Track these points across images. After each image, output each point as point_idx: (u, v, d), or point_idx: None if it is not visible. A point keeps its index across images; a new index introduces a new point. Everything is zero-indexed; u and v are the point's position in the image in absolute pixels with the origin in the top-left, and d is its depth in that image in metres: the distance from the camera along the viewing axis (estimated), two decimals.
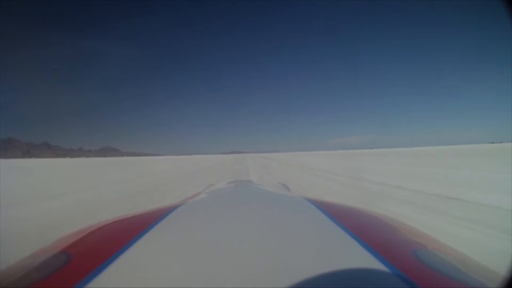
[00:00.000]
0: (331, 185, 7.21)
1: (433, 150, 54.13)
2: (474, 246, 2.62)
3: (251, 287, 0.34)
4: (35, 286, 0.39)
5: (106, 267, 0.40)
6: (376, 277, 0.37)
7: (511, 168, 8.90)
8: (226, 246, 0.46)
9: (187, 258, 0.43)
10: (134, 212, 0.79)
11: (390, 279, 0.37)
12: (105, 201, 5.65)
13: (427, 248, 0.54)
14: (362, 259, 0.41)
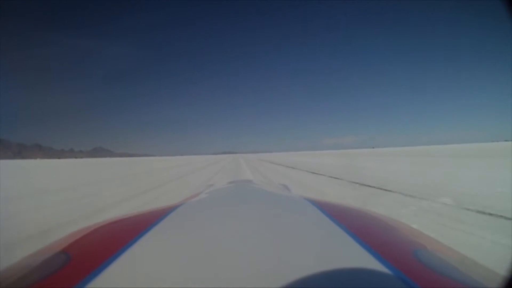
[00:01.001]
0: None
1: (432, 149, 53.36)
2: None
3: (252, 287, 0.34)
4: (35, 286, 0.39)
5: (106, 267, 0.40)
6: (376, 277, 0.37)
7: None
8: (226, 246, 0.46)
9: (187, 258, 0.43)
10: (134, 212, 0.79)
11: (390, 279, 0.37)
12: None
13: (427, 248, 0.54)
14: (362, 259, 0.41)
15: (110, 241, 0.54)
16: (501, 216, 3.67)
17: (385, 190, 6.02)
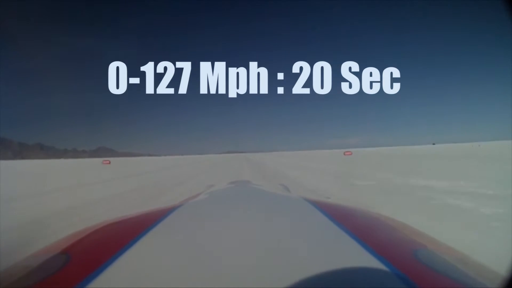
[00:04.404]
0: None
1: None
2: None
3: (252, 287, 0.35)
4: (35, 286, 0.39)
5: (106, 268, 0.40)
6: (376, 277, 0.37)
7: None
8: (226, 246, 0.47)
9: (187, 258, 0.43)
10: (135, 212, 0.79)
11: (390, 279, 0.37)
12: None
13: (427, 248, 0.54)
14: (362, 259, 0.41)
15: (110, 242, 0.54)
16: None
17: None
